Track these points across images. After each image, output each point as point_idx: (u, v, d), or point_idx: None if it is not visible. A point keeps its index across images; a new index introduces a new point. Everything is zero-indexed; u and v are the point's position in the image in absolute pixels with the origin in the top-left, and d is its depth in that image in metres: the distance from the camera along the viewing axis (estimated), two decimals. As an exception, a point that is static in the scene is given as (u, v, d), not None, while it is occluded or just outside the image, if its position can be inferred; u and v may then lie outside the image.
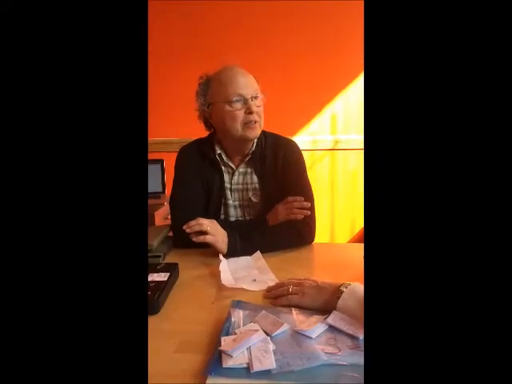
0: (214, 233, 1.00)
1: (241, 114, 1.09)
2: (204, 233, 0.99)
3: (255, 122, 1.10)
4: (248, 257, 1.00)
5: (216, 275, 0.87)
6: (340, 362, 0.53)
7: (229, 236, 1.02)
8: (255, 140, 1.18)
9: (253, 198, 1.19)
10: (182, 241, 1.07)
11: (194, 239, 0.99)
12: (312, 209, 1.11)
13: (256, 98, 1.11)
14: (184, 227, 0.99)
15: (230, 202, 1.20)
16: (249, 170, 1.20)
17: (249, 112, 1.09)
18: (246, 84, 1.10)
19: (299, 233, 1.09)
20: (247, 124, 1.10)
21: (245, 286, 0.81)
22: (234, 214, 1.21)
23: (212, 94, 1.14)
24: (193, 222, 0.99)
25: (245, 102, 1.09)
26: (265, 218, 1.12)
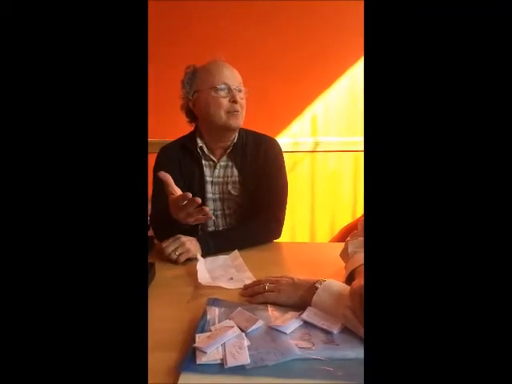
0: (185, 249, 0.98)
1: (225, 102, 1.13)
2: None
3: (238, 112, 1.14)
4: (225, 256, 1.00)
5: (193, 274, 0.86)
6: (313, 357, 0.54)
7: (198, 237, 1.03)
8: (237, 133, 1.21)
9: (232, 191, 1.21)
10: (163, 235, 1.06)
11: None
12: (283, 204, 1.19)
13: (240, 90, 1.16)
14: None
15: (210, 195, 1.22)
16: (230, 164, 1.22)
17: (233, 101, 1.13)
18: (232, 75, 1.16)
19: (267, 228, 1.14)
20: (230, 112, 1.13)
21: (222, 284, 0.80)
22: (213, 207, 1.23)
23: (198, 83, 1.18)
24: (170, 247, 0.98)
25: (229, 90, 1.13)
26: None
